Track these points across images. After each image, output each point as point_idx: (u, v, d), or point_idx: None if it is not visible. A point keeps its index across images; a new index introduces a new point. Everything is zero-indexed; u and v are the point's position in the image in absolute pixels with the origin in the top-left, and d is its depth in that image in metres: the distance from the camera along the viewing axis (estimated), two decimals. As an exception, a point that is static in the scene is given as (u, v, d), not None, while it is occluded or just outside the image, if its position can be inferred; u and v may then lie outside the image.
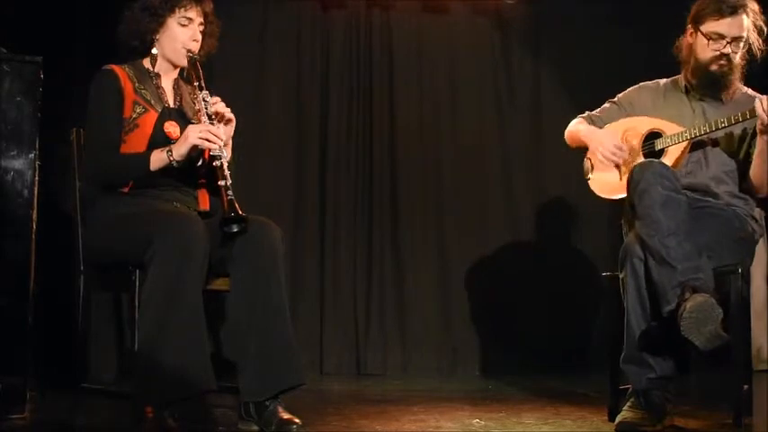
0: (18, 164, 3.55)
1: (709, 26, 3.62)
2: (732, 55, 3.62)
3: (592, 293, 5.19)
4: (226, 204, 3.32)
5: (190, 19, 3.53)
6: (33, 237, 3.56)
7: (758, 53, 3.66)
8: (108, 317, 4.66)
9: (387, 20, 5.41)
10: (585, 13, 5.45)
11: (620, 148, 3.72)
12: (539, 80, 5.53)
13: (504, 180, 5.48)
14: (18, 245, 3.54)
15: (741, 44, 3.63)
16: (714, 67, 3.64)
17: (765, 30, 3.66)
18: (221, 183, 3.35)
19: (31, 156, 3.57)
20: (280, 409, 3.30)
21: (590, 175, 3.82)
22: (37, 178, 3.57)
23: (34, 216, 3.56)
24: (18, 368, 3.52)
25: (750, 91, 3.72)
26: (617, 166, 3.73)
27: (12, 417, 3.45)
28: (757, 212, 3.67)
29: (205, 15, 3.57)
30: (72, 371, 3.63)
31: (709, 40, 3.62)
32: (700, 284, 3.20)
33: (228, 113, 3.50)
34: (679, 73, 3.80)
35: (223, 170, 3.37)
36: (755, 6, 3.65)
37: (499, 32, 5.51)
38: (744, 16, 3.61)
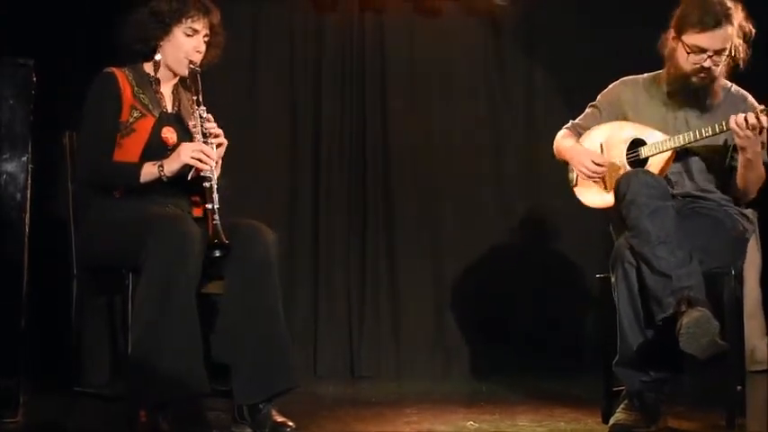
0: (11, 167, 3.56)
1: (691, 38, 3.50)
2: (713, 68, 3.52)
3: (586, 295, 5.18)
4: (211, 229, 3.32)
5: (196, 30, 3.52)
6: (27, 240, 3.56)
7: (741, 62, 3.55)
8: (101, 320, 4.64)
9: (379, 22, 5.40)
10: (578, 13, 5.45)
11: (600, 165, 3.69)
12: (532, 80, 5.52)
13: (498, 181, 5.47)
14: (11, 248, 3.55)
15: (724, 55, 3.52)
16: (694, 80, 3.55)
17: (752, 33, 3.55)
18: (209, 206, 3.35)
19: (24, 159, 3.57)
20: (273, 413, 3.31)
21: (575, 185, 3.83)
22: (30, 181, 3.57)
23: (27, 219, 3.56)
24: (11, 371, 3.52)
25: (735, 88, 3.67)
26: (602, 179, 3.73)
27: (5, 420, 3.45)
28: (749, 212, 3.68)
29: (211, 27, 3.56)
30: (65, 374, 3.62)
31: (689, 52, 3.52)
32: (694, 295, 3.20)
33: (221, 137, 3.49)
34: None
35: (212, 193, 3.36)
36: (740, 13, 3.53)
37: (492, 33, 5.50)
38: (728, 27, 3.47)
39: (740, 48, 3.54)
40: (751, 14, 3.62)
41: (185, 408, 3.20)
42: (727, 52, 3.52)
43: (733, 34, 3.51)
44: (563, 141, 3.87)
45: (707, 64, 3.51)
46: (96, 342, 4.60)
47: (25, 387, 3.57)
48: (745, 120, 3.37)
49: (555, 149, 3.90)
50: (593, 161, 3.70)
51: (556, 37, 5.46)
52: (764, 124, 3.37)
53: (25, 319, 3.55)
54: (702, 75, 3.54)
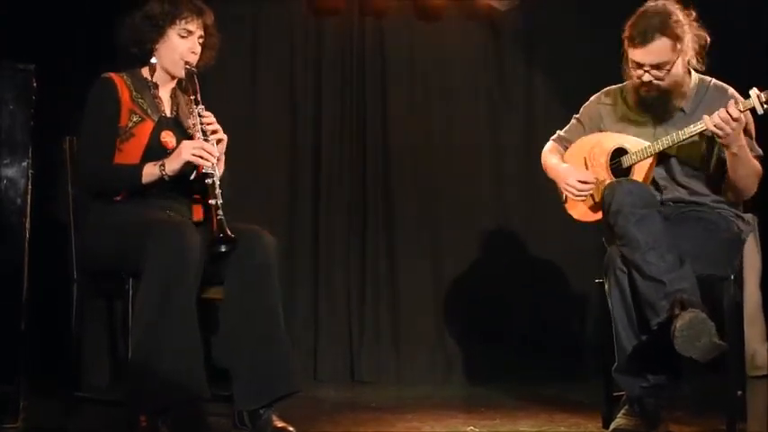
0: (11, 172, 3.55)
1: (629, 53, 3.50)
2: (657, 81, 3.49)
3: (586, 295, 5.18)
4: (215, 224, 3.32)
5: (190, 31, 3.51)
6: (27, 245, 3.56)
7: (699, 64, 3.54)
8: (101, 324, 4.65)
9: (379, 26, 5.38)
10: (578, 13, 5.43)
11: (586, 182, 3.65)
12: (532, 81, 5.50)
13: (498, 181, 5.46)
14: (11, 253, 3.54)
15: (667, 67, 3.47)
16: (642, 92, 3.54)
17: (707, 36, 3.52)
18: (212, 201, 3.35)
19: (24, 164, 3.56)
20: (274, 418, 3.31)
21: (566, 202, 3.81)
22: (30, 186, 3.57)
23: (27, 224, 3.56)
24: (11, 376, 3.51)
25: (715, 83, 3.61)
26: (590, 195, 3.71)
27: (5, 426, 3.45)
28: (749, 216, 3.66)
29: (205, 28, 3.56)
30: (65, 378, 3.62)
31: (629, 66, 3.53)
32: (687, 297, 3.20)
33: (220, 133, 3.49)
34: None
35: (214, 188, 3.36)
36: (682, 19, 3.47)
37: (491, 34, 5.48)
38: (662, 40, 3.43)
39: (693, 52, 3.51)
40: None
41: (185, 412, 3.19)
42: (668, 66, 3.47)
43: (680, 44, 3.46)
44: (549, 158, 3.86)
45: (646, 78, 3.49)
46: (96, 346, 4.61)
47: (25, 392, 3.56)
48: (719, 116, 3.34)
49: (542, 164, 3.90)
50: (578, 180, 3.67)
51: (556, 37, 5.45)
52: (735, 115, 3.33)
53: (25, 323, 3.54)
54: (646, 88, 3.52)
